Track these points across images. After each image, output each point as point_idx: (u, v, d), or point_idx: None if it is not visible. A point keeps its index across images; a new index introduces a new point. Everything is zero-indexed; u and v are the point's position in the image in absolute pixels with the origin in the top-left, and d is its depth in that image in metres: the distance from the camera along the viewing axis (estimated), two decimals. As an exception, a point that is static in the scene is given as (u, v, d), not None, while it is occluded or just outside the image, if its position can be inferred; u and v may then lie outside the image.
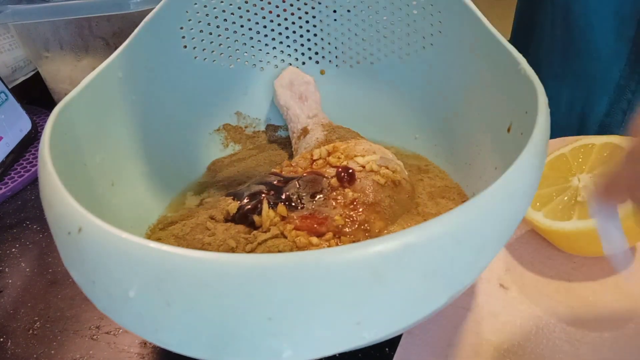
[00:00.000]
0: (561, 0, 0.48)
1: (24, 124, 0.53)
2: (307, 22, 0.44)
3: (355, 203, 0.30)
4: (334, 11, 0.43)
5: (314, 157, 0.36)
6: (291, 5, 0.44)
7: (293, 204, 0.30)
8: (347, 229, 0.29)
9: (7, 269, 0.38)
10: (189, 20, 0.41)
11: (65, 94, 0.27)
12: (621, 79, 0.47)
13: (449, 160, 0.39)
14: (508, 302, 0.31)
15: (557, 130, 0.52)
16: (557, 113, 0.51)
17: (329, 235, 0.29)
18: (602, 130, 0.49)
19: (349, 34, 0.44)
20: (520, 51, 0.28)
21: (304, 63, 0.46)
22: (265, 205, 0.30)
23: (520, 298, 0.31)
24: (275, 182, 0.32)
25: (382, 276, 0.16)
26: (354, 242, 0.24)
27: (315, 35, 0.45)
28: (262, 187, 0.32)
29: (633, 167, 0.21)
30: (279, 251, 0.28)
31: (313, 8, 0.44)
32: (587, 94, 0.49)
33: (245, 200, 0.31)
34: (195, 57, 0.42)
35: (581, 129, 0.51)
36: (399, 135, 0.43)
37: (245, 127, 0.46)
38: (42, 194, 0.21)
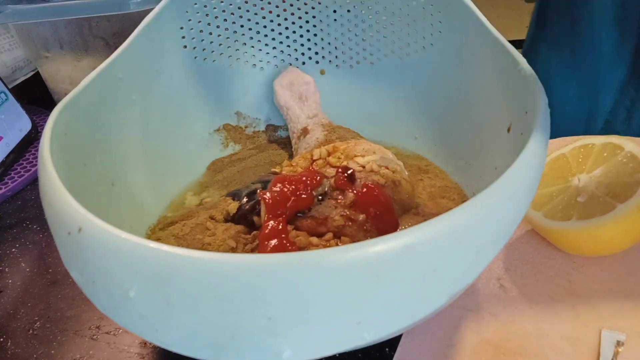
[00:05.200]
0: (566, 3, 0.49)
1: (24, 124, 0.53)
2: (307, 22, 0.44)
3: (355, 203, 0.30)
4: (334, 11, 0.43)
5: (314, 157, 0.36)
6: (291, 5, 0.44)
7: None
8: (347, 229, 0.29)
9: (7, 269, 0.38)
10: (189, 20, 0.41)
11: (65, 94, 0.27)
12: (625, 77, 0.47)
13: (449, 160, 0.39)
14: (508, 302, 0.31)
15: (566, 124, 0.52)
16: (567, 108, 0.52)
17: (329, 235, 0.29)
18: (607, 126, 0.50)
19: (349, 34, 0.44)
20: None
21: (304, 63, 0.46)
22: (263, 206, 0.30)
23: (520, 298, 0.31)
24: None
25: (382, 276, 0.16)
26: (354, 242, 0.24)
27: (315, 35, 0.45)
28: (261, 187, 0.32)
29: None
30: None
31: (313, 8, 0.44)
32: (594, 91, 0.50)
33: (244, 200, 0.31)
34: (195, 57, 0.42)
35: (588, 125, 0.52)
36: (399, 135, 0.43)
37: (245, 127, 0.46)
38: (42, 194, 0.21)
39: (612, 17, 0.46)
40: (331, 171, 0.33)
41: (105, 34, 0.51)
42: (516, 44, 0.30)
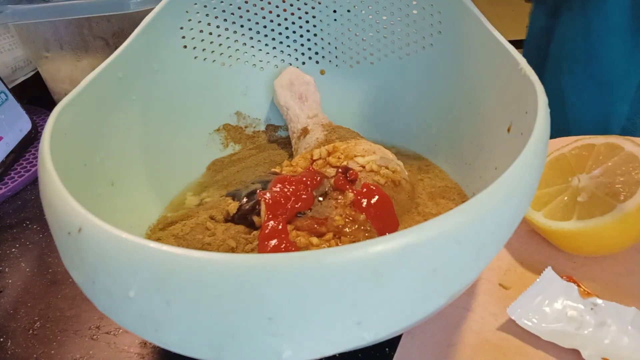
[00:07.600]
0: (580, 10, 0.49)
1: (24, 124, 0.53)
2: (307, 22, 0.44)
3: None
4: (334, 11, 0.43)
5: (314, 157, 0.36)
6: (291, 5, 0.44)
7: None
8: (347, 229, 0.29)
9: (7, 269, 0.38)
10: (189, 20, 0.41)
11: (65, 94, 0.27)
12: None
13: (449, 160, 0.39)
14: (508, 302, 0.31)
15: (584, 133, 0.52)
16: (582, 119, 0.52)
17: (329, 235, 0.29)
18: (624, 133, 0.50)
19: (349, 34, 0.44)
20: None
21: (304, 63, 0.46)
22: (263, 206, 0.30)
23: (520, 298, 0.31)
24: (275, 182, 0.32)
25: (382, 276, 0.16)
26: (354, 242, 0.24)
27: (315, 35, 0.45)
28: (261, 187, 0.32)
29: None
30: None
31: (313, 8, 0.44)
32: (609, 100, 0.50)
33: (244, 200, 0.31)
34: (195, 57, 0.42)
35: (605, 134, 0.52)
36: (399, 135, 0.43)
37: (245, 127, 0.46)
38: (42, 194, 0.21)
39: (629, 26, 0.46)
40: (331, 171, 0.33)
41: (105, 34, 0.51)
42: (516, 44, 0.30)
